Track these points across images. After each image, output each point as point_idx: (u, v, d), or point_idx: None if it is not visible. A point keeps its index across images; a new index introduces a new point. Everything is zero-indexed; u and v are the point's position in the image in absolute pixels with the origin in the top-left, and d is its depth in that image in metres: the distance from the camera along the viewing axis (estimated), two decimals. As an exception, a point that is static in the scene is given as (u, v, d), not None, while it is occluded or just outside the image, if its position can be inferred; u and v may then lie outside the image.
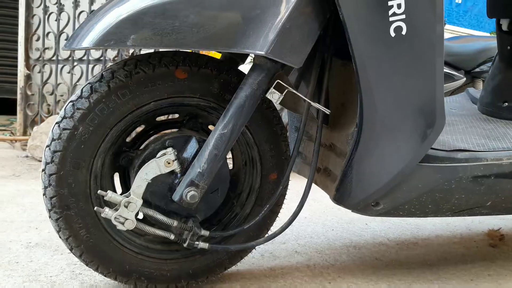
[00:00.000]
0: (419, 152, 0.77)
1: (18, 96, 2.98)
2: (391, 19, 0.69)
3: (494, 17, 1.17)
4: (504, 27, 1.15)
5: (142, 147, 0.86)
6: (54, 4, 2.82)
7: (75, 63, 2.77)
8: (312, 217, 1.48)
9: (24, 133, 2.95)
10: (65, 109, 0.74)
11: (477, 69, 2.72)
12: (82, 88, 0.74)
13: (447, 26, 4.86)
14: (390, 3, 0.68)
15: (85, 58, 2.73)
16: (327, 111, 0.81)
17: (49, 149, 0.73)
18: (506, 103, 1.14)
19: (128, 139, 0.86)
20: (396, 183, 0.79)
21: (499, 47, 1.19)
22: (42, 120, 2.85)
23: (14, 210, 1.37)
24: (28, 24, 2.96)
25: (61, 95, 2.86)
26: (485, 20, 5.36)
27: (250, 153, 0.89)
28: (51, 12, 2.85)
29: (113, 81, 0.73)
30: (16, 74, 3.07)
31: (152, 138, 0.84)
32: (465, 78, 2.68)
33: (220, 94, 0.81)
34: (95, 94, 0.73)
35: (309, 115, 0.86)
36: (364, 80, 0.73)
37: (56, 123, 0.74)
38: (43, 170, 0.74)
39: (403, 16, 0.69)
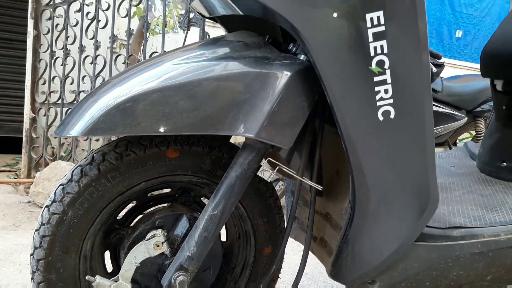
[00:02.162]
0: (414, 231, 0.76)
1: (24, 139, 3.02)
2: (378, 103, 0.69)
3: (488, 77, 1.18)
4: (499, 87, 1.15)
5: (132, 224, 0.85)
6: (61, 49, 2.89)
7: (80, 107, 2.81)
8: (313, 274, 1.45)
9: (28, 175, 2.97)
10: (55, 192, 0.74)
11: (478, 109, 2.72)
12: (73, 171, 0.74)
13: (448, 60, 4.90)
14: (377, 88, 0.68)
15: (89, 101, 2.77)
16: (319, 188, 0.81)
17: (38, 233, 0.73)
18: (505, 163, 1.13)
19: (118, 217, 0.86)
20: (391, 262, 0.77)
21: (495, 105, 1.19)
22: (46, 163, 2.87)
23: (10, 271, 1.36)
24: (35, 69, 3.03)
25: (65, 138, 2.89)
26: (486, 53, 5.39)
27: (243, 226, 0.88)
28: (57, 57, 2.92)
29: (103, 164, 0.73)
30: (22, 113, 3.12)
31: (142, 216, 0.84)
32: (466, 118, 2.68)
33: (212, 171, 0.81)
34: (85, 178, 0.73)
35: (303, 184, 0.86)
36: (354, 159, 0.73)
37: (46, 206, 0.74)
38: (32, 254, 0.74)
39: (391, 101, 0.69)
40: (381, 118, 0.70)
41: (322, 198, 0.95)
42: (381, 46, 0.67)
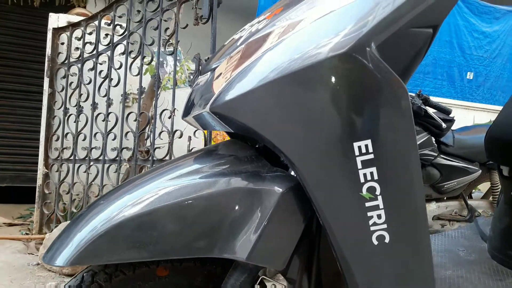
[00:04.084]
0: None
1: (36, 194, 3.06)
2: (372, 228, 0.67)
3: (494, 162, 1.15)
4: (505, 173, 1.12)
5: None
6: (74, 106, 2.97)
7: (92, 163, 2.85)
8: None
9: (40, 231, 2.99)
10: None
11: (492, 161, 2.66)
12: (63, 291, 0.74)
13: (461, 102, 4.87)
14: (369, 214, 0.67)
15: (101, 158, 2.81)
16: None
17: None
18: (516, 252, 1.08)
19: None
20: None
21: (502, 188, 1.16)
22: (57, 219, 2.89)
23: None
24: (49, 125, 3.11)
25: (77, 194, 2.92)
26: (498, 93, 5.35)
27: None
28: (71, 114, 2.99)
29: (92, 286, 0.72)
30: (37, 163, 3.18)
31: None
32: (480, 171, 2.62)
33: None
34: (75, 300, 0.72)
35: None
36: (350, 279, 0.70)
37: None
38: None
39: (385, 226, 0.67)
40: (375, 242, 0.68)
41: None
42: (371, 173, 0.65)
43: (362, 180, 0.66)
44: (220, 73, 0.75)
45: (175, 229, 0.68)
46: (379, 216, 0.67)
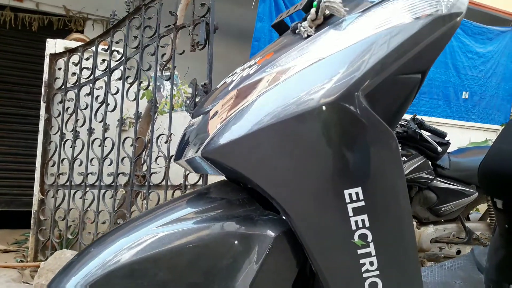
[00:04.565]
0: None
1: (32, 221, 3.03)
2: (364, 275, 0.67)
3: (488, 194, 1.15)
4: (499, 205, 1.12)
5: None
6: (70, 132, 2.97)
7: (88, 189, 2.84)
8: None
9: (35, 258, 2.95)
10: None
11: (485, 193, 2.67)
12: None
13: (457, 122, 4.90)
14: (361, 261, 0.66)
15: (97, 184, 2.80)
16: None
17: None
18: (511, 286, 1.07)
19: None
20: None
21: (497, 221, 1.16)
22: (53, 246, 2.86)
23: None
24: (45, 151, 3.10)
25: (73, 220, 2.90)
26: (494, 112, 5.39)
27: None
28: (67, 139, 2.99)
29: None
30: (33, 187, 3.15)
31: None
32: (477, 193, 2.61)
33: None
34: None
35: None
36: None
37: None
38: None
39: (377, 273, 0.67)
40: (367, 289, 0.67)
41: None
42: (362, 220, 0.65)
43: (353, 227, 0.66)
44: (212, 119, 0.75)
45: (166, 278, 0.68)
46: (371, 263, 0.67)
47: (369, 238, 0.66)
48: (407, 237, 0.68)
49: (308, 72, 0.67)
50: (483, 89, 5.29)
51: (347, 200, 0.65)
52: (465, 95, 5.17)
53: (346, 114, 0.64)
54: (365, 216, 0.65)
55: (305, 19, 0.77)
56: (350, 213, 0.65)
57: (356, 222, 0.65)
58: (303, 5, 0.78)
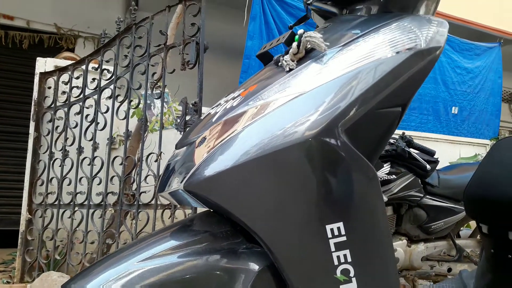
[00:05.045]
0: None
1: (19, 241, 2.98)
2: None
3: (473, 220, 1.16)
4: (485, 230, 1.12)
5: None
6: (60, 151, 2.95)
7: (76, 208, 2.81)
8: None
9: (21, 279, 2.90)
10: None
11: (471, 219, 2.68)
12: None
13: (447, 137, 4.94)
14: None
15: (85, 203, 2.77)
16: None
17: None
18: (500, 312, 1.07)
19: None
20: None
21: (483, 245, 1.16)
22: (40, 267, 2.82)
23: None
24: (33, 170, 3.07)
25: (61, 241, 2.86)
26: (483, 127, 5.45)
27: None
28: (56, 158, 2.97)
29: None
30: (21, 205, 3.11)
31: None
32: (467, 210, 2.62)
33: None
34: None
35: None
36: None
37: None
38: None
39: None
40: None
41: None
42: (344, 255, 0.65)
43: (336, 262, 0.65)
44: (195, 152, 0.75)
45: None
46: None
47: (352, 273, 0.66)
48: (390, 271, 0.67)
49: (290, 107, 0.68)
50: (472, 104, 5.36)
51: (329, 235, 0.65)
52: (455, 110, 5.23)
53: (326, 149, 0.64)
54: (347, 251, 0.65)
55: (287, 52, 0.78)
56: (332, 248, 0.65)
57: (338, 257, 0.65)
58: (285, 38, 0.79)
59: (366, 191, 0.66)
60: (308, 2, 1.02)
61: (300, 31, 0.77)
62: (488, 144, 5.13)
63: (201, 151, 0.74)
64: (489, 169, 1.10)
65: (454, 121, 5.23)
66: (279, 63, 0.79)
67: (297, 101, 0.68)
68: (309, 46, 0.75)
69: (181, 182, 0.72)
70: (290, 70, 0.76)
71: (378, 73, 0.68)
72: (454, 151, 4.86)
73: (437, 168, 2.68)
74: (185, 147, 0.82)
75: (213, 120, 0.78)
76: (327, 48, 0.74)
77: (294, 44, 0.76)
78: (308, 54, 0.77)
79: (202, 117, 0.91)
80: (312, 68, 0.73)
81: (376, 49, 0.71)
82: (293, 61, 0.76)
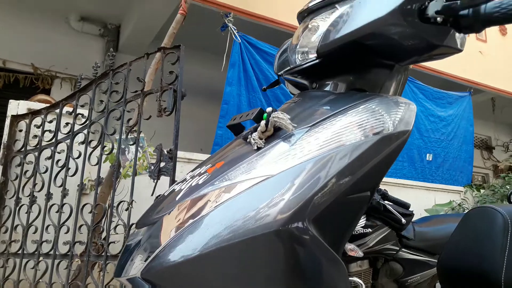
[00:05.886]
0: None
1: (-24, 293, 2.80)
2: None
3: (447, 290, 1.14)
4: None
5: None
6: (27, 196, 2.83)
7: (41, 258, 2.67)
8: None
9: (-24, 335, 2.69)
10: None
11: None
12: None
13: (422, 184, 5.00)
14: None
15: (51, 252, 2.64)
16: None
17: None
18: None
19: None
20: None
21: None
22: (-3, 323, 2.63)
23: None
24: (-2, 216, 2.93)
25: (22, 292, 2.69)
26: (457, 174, 5.56)
27: None
28: (23, 204, 2.84)
29: None
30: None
31: None
32: (442, 264, 2.60)
33: None
34: None
35: None
36: None
37: None
38: None
39: None
40: None
41: None
42: None
43: None
44: (156, 235, 0.71)
45: None
46: None
47: None
48: None
49: (255, 192, 0.65)
50: (446, 151, 5.48)
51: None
52: (429, 157, 5.33)
53: (291, 240, 0.61)
54: None
55: (255, 129, 0.76)
56: None
57: None
58: (254, 114, 0.78)
59: (333, 282, 0.63)
60: (279, 73, 1.02)
61: (269, 109, 0.76)
62: (462, 191, 5.22)
63: (164, 233, 0.70)
64: (461, 240, 1.09)
65: (428, 167, 5.32)
66: (248, 140, 0.77)
67: (263, 185, 0.65)
68: (277, 125, 0.74)
69: (138, 269, 0.67)
70: (258, 148, 0.74)
71: (346, 158, 0.66)
72: (429, 198, 4.92)
73: (413, 219, 2.68)
74: (145, 228, 0.78)
75: (177, 199, 0.74)
76: (295, 129, 0.73)
77: (263, 123, 0.75)
78: (277, 133, 0.75)
79: (166, 193, 0.88)
80: (280, 149, 0.71)
81: (344, 132, 0.70)
82: (261, 139, 0.75)
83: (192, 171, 0.86)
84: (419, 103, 5.24)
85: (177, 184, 0.84)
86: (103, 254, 2.49)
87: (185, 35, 4.49)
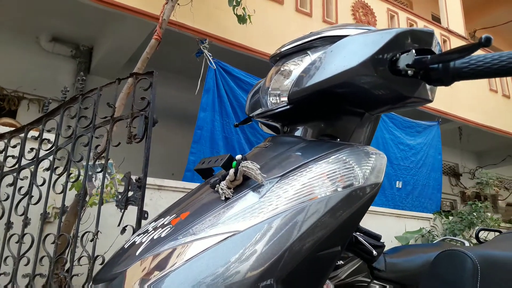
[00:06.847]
0: None
1: None
2: None
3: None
4: None
5: None
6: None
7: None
8: None
9: None
10: None
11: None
12: None
13: (393, 211, 5.06)
14: None
15: (9, 286, 2.48)
16: None
17: None
18: None
19: None
20: None
21: None
22: None
23: None
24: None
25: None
26: (426, 201, 5.67)
27: None
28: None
29: None
30: None
31: None
32: (412, 296, 2.60)
33: None
34: None
35: None
36: None
37: None
38: None
39: None
40: None
41: None
42: None
43: None
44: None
45: None
46: None
47: None
48: None
49: (221, 249, 0.62)
50: (415, 178, 5.59)
51: None
52: (399, 184, 5.42)
53: None
54: None
55: (224, 178, 0.74)
56: None
57: None
58: (223, 161, 0.75)
59: None
60: (251, 115, 1.00)
61: (238, 157, 0.73)
62: (431, 218, 5.30)
63: (125, 290, 0.65)
64: (431, 284, 1.08)
65: (398, 195, 5.40)
66: (215, 189, 0.74)
67: (230, 242, 0.62)
68: (247, 174, 0.71)
69: None
70: (226, 199, 0.71)
71: (316, 213, 0.64)
72: (399, 225, 4.97)
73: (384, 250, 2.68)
74: (105, 283, 0.72)
75: (138, 253, 0.70)
76: (264, 179, 0.70)
77: (231, 171, 0.72)
78: (246, 182, 0.73)
79: (126, 246, 0.83)
80: (249, 201, 0.68)
81: (314, 185, 0.68)
82: (229, 188, 0.72)
83: (155, 220, 0.82)
84: (389, 131, 5.36)
85: (138, 236, 0.80)
86: (65, 287, 2.36)
87: (160, 57, 4.47)
